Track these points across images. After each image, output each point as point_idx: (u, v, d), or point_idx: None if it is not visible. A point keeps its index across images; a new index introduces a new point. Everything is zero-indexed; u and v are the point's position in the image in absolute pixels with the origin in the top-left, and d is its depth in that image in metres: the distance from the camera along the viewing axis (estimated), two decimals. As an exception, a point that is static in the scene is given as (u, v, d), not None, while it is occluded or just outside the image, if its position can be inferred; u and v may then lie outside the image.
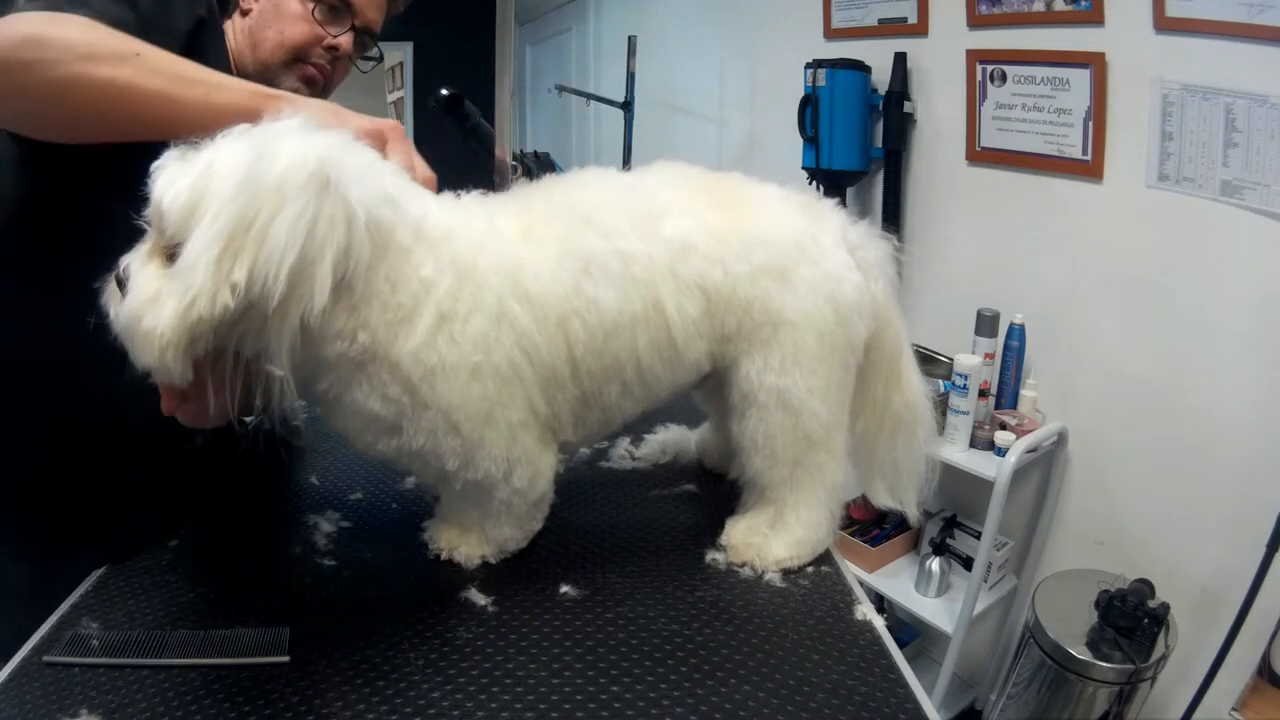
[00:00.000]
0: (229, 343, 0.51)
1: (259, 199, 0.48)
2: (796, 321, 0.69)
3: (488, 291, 0.60)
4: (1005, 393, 1.70)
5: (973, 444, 1.66)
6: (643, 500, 0.88)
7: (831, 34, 2.08)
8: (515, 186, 0.73)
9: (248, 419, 0.57)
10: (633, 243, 0.65)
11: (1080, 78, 1.54)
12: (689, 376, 0.72)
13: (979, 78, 1.73)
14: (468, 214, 0.65)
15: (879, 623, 0.68)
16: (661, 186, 0.70)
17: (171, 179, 0.49)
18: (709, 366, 0.72)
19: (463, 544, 0.74)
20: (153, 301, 0.48)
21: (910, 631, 2.05)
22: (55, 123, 0.59)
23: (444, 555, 0.75)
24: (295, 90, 0.81)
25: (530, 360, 0.63)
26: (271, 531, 0.80)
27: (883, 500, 0.82)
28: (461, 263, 0.60)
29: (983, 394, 1.65)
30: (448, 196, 0.68)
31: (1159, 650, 1.39)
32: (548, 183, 0.72)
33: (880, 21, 1.94)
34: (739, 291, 0.68)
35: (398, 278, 0.56)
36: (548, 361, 0.64)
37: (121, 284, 0.51)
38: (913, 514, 0.82)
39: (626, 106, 2.49)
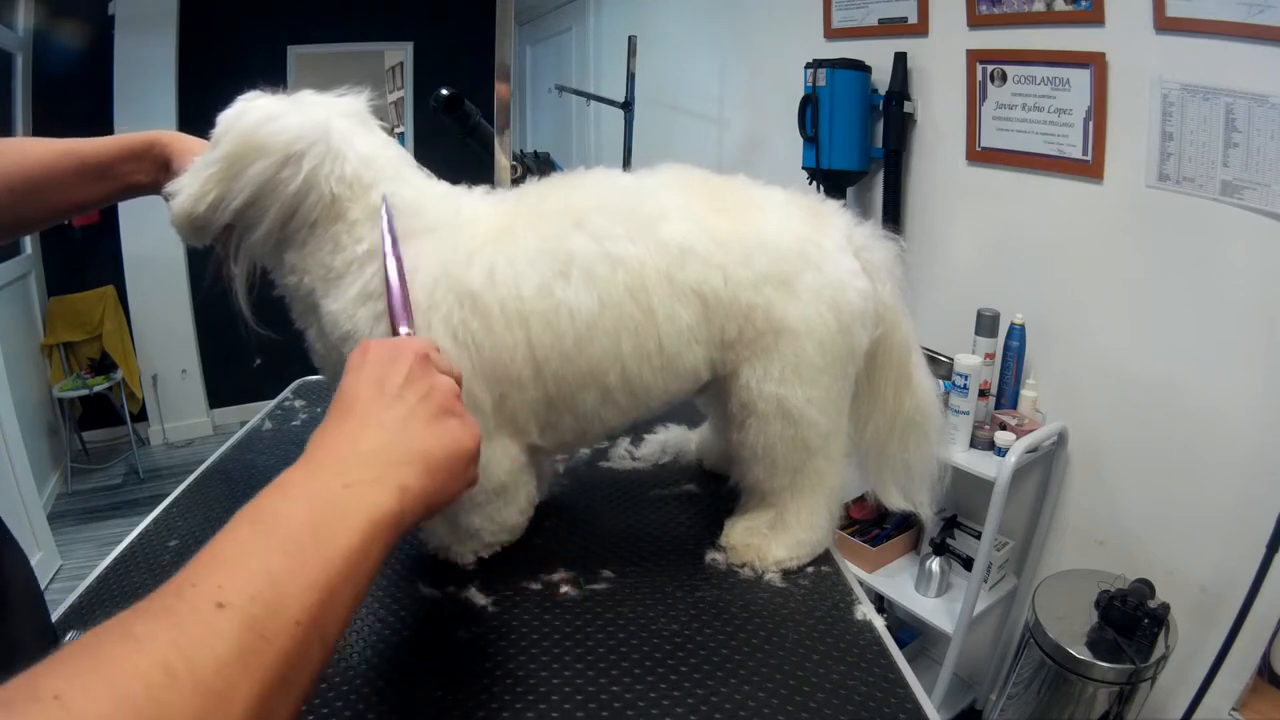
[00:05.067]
0: (225, 234, 0.64)
1: (248, 147, 0.59)
2: (798, 330, 0.67)
3: (420, 281, 0.62)
4: (1005, 393, 1.70)
5: (973, 444, 1.66)
6: (643, 500, 0.88)
7: (831, 34, 2.08)
8: (525, 184, 0.73)
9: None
10: (624, 246, 0.64)
11: (1080, 78, 1.54)
12: (685, 385, 0.71)
13: (979, 78, 1.73)
14: (439, 207, 0.66)
15: (879, 623, 0.68)
16: (663, 189, 0.69)
17: (234, 109, 0.62)
18: (708, 374, 0.71)
19: (454, 542, 0.74)
20: (178, 190, 0.62)
21: (910, 631, 2.05)
22: None
23: (440, 555, 0.75)
24: None
25: (469, 352, 0.63)
26: (271, 531, 0.80)
27: (895, 503, 0.81)
28: (405, 251, 0.63)
29: (983, 394, 1.66)
30: (449, 187, 0.70)
31: (1159, 650, 1.39)
32: (549, 182, 0.72)
33: (880, 21, 1.94)
34: (740, 298, 0.67)
35: (339, 244, 0.63)
36: (493, 359, 0.64)
37: None
38: (926, 515, 0.82)
39: (626, 106, 2.49)
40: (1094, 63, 1.51)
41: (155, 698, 0.26)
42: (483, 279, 0.63)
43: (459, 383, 0.51)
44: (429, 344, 0.50)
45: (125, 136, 0.71)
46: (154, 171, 0.70)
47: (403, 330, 0.58)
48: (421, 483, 0.41)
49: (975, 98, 1.75)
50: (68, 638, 0.63)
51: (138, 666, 0.26)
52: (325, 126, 0.62)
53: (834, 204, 0.76)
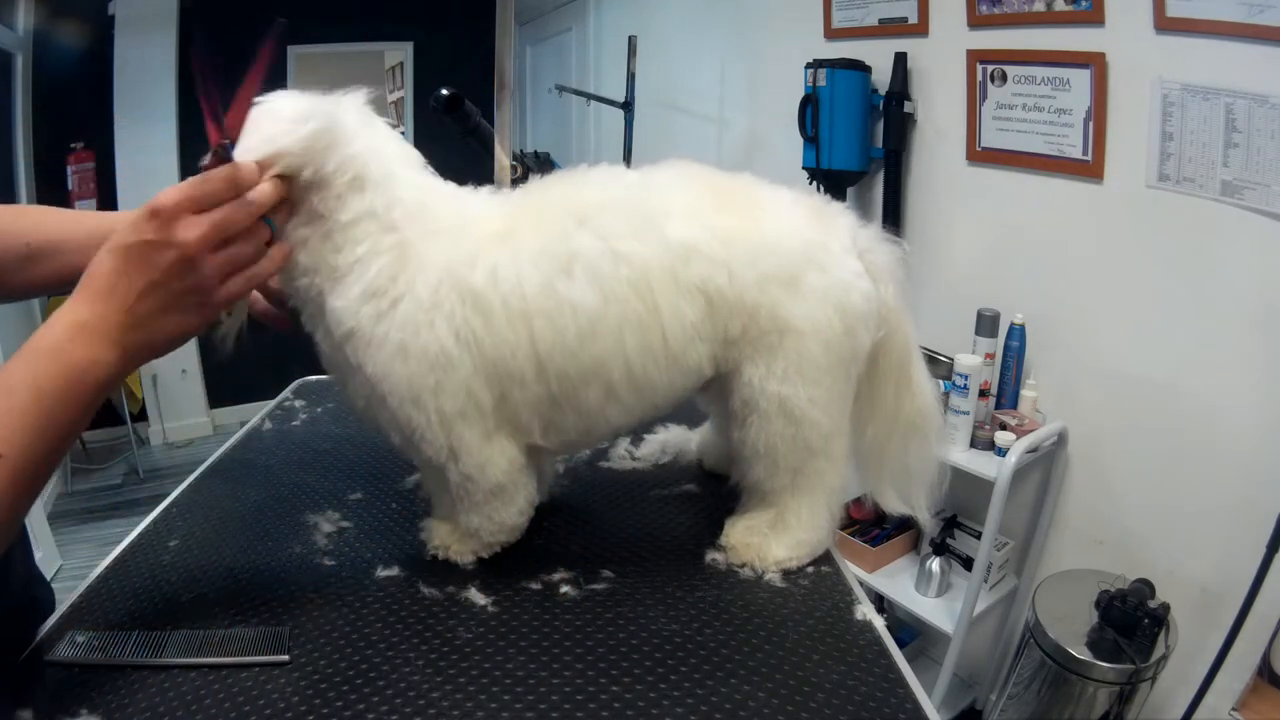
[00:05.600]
0: None
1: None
2: (803, 330, 0.68)
3: (423, 280, 0.62)
4: (1005, 393, 1.70)
5: (973, 444, 1.66)
6: (643, 500, 0.88)
7: (832, 34, 2.08)
8: (530, 183, 0.73)
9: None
10: (629, 243, 0.64)
11: (1080, 78, 1.54)
12: (689, 381, 0.71)
13: (979, 78, 1.73)
14: (445, 209, 0.66)
15: (879, 623, 0.68)
16: (669, 187, 0.69)
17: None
18: (712, 371, 0.71)
19: (454, 542, 0.75)
20: None
21: (910, 631, 2.05)
22: None
23: (440, 555, 0.75)
24: None
25: (470, 351, 0.63)
26: (271, 531, 0.81)
27: (894, 506, 0.81)
28: (406, 249, 0.63)
29: (983, 394, 1.66)
30: (455, 188, 0.69)
31: (1159, 650, 1.39)
32: (553, 180, 0.72)
33: (880, 21, 1.94)
34: (745, 297, 0.67)
35: (342, 243, 0.62)
36: (495, 357, 0.64)
37: None
38: (925, 519, 0.81)
39: (626, 106, 2.49)
40: (1094, 63, 1.51)
41: None
42: (486, 278, 0.63)
43: (249, 234, 0.56)
44: (208, 197, 0.54)
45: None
46: None
47: (221, 143, 0.57)
48: (136, 361, 0.54)
49: (975, 98, 1.75)
50: (67, 638, 0.63)
51: None
52: (332, 114, 0.62)
53: (839, 205, 0.76)
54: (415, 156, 0.68)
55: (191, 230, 0.53)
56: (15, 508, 0.48)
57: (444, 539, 0.75)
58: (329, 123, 0.61)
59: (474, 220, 0.67)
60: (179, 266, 0.53)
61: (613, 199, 0.67)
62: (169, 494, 0.89)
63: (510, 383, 0.65)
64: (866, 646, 0.65)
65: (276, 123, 0.59)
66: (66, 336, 0.51)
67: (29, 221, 0.69)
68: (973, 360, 1.61)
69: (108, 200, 3.41)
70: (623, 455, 0.97)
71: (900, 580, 1.86)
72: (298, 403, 1.14)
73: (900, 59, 1.86)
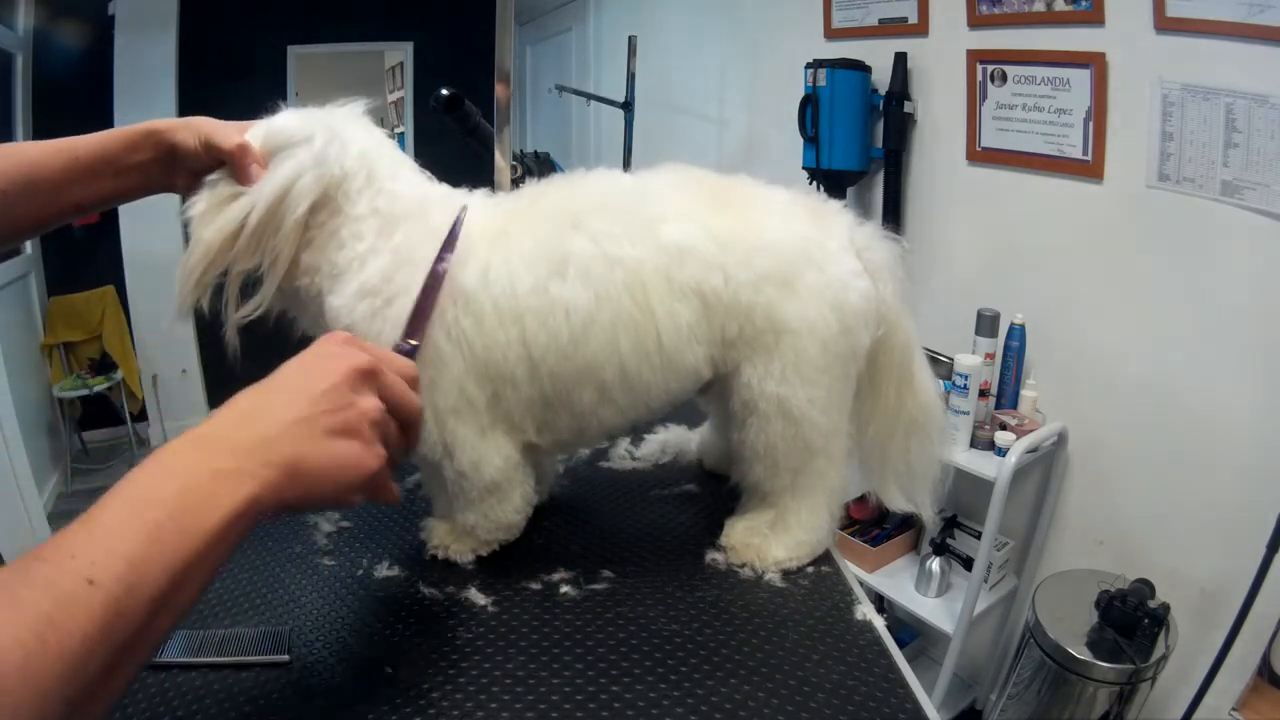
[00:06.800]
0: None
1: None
2: (800, 330, 0.68)
3: (416, 279, 0.63)
4: (1005, 393, 1.70)
5: (973, 444, 1.66)
6: (643, 500, 0.88)
7: (832, 34, 2.08)
8: (525, 186, 0.73)
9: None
10: (623, 246, 0.64)
11: (1080, 78, 1.54)
12: (686, 384, 0.71)
13: (979, 78, 1.73)
14: (440, 207, 0.67)
15: (879, 623, 0.68)
16: (664, 190, 0.69)
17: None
18: (709, 373, 0.71)
19: (453, 541, 0.75)
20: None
21: (910, 631, 2.05)
22: None
23: (439, 554, 0.75)
24: None
25: (461, 350, 0.64)
26: (271, 531, 0.81)
27: (897, 503, 0.80)
28: (403, 249, 0.64)
29: (983, 394, 1.66)
30: (449, 189, 0.70)
31: (1159, 650, 1.39)
32: (548, 183, 0.72)
33: (880, 21, 1.94)
34: (741, 298, 0.67)
35: (342, 241, 0.64)
36: (486, 357, 0.64)
37: None
38: (928, 515, 0.81)
39: (626, 106, 2.49)
40: (1094, 63, 1.51)
41: (28, 660, 0.30)
42: (477, 278, 0.64)
43: (410, 415, 0.50)
44: (390, 364, 0.49)
45: (121, 128, 0.67)
46: (157, 164, 0.66)
47: (405, 341, 0.60)
48: (282, 484, 0.42)
49: (975, 98, 1.75)
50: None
51: (18, 633, 0.30)
52: (327, 120, 0.64)
53: (836, 204, 0.76)
54: (412, 161, 0.69)
55: (370, 359, 0.48)
56: (119, 654, 0.33)
57: (443, 538, 0.75)
58: (334, 129, 0.63)
59: (466, 223, 0.67)
60: (355, 378, 0.46)
61: (607, 202, 0.67)
62: (169, 494, 0.89)
63: (503, 383, 0.66)
64: (866, 646, 0.65)
65: (291, 145, 0.61)
66: (187, 444, 0.41)
67: (2, 160, 0.64)
68: (973, 360, 1.61)
69: (108, 200, 3.41)
70: (623, 455, 0.97)
71: (900, 580, 1.86)
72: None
73: (900, 59, 1.86)
